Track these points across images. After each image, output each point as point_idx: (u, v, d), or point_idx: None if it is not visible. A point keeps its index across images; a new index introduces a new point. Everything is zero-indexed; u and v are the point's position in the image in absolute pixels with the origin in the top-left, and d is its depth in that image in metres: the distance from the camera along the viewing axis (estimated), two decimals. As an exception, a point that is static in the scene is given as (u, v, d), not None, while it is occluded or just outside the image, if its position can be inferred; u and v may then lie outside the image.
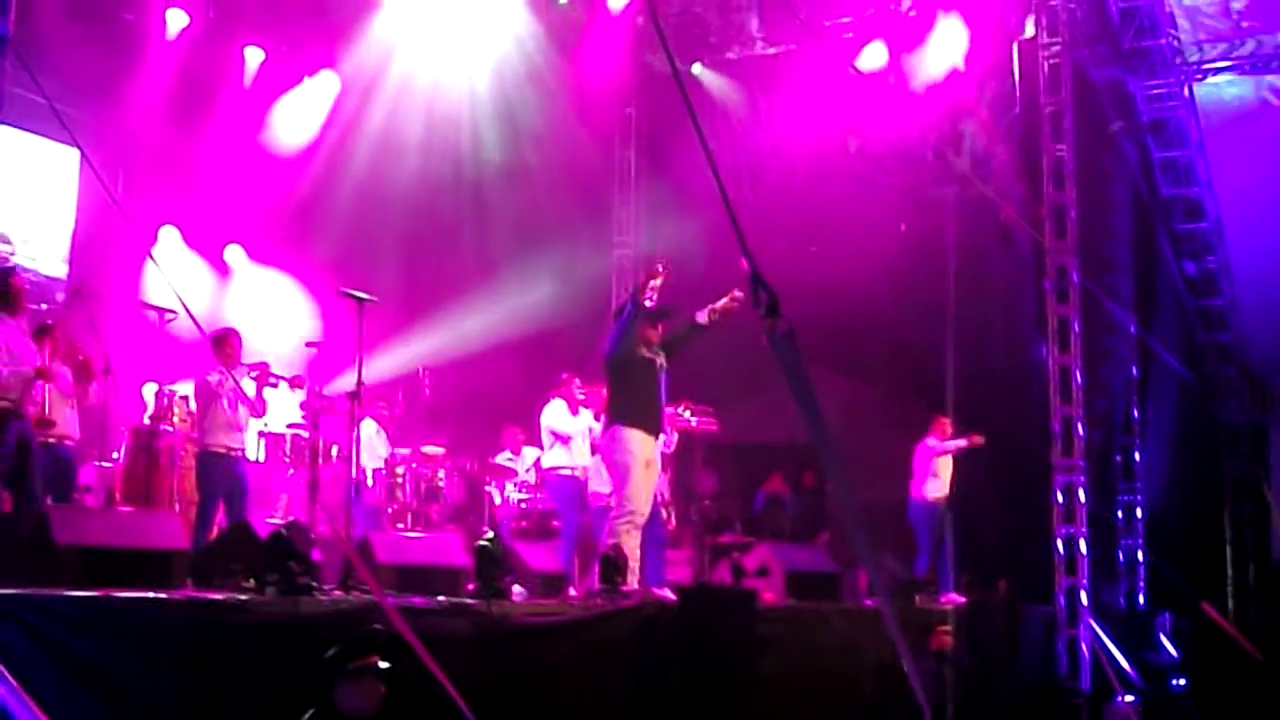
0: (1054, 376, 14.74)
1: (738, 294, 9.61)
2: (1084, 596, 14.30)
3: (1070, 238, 14.86)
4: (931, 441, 14.73)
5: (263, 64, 16.48)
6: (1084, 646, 14.18)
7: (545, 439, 13.03)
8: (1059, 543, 14.44)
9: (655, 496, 10.51)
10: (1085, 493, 14.57)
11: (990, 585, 14.03)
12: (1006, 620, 13.35)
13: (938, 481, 14.42)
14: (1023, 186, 16.16)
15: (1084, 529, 14.47)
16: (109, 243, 15.36)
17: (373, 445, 13.27)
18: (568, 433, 12.80)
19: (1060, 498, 14.53)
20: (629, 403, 10.16)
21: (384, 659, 6.59)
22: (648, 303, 9.87)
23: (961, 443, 14.60)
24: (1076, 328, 14.77)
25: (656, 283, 9.86)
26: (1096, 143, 16.28)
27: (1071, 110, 14.96)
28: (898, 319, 16.59)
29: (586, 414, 12.86)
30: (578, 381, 12.95)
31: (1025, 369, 15.89)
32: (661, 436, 10.64)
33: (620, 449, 10.04)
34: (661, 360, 10.28)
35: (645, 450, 10.07)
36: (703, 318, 10.25)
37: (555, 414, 12.94)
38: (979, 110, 16.82)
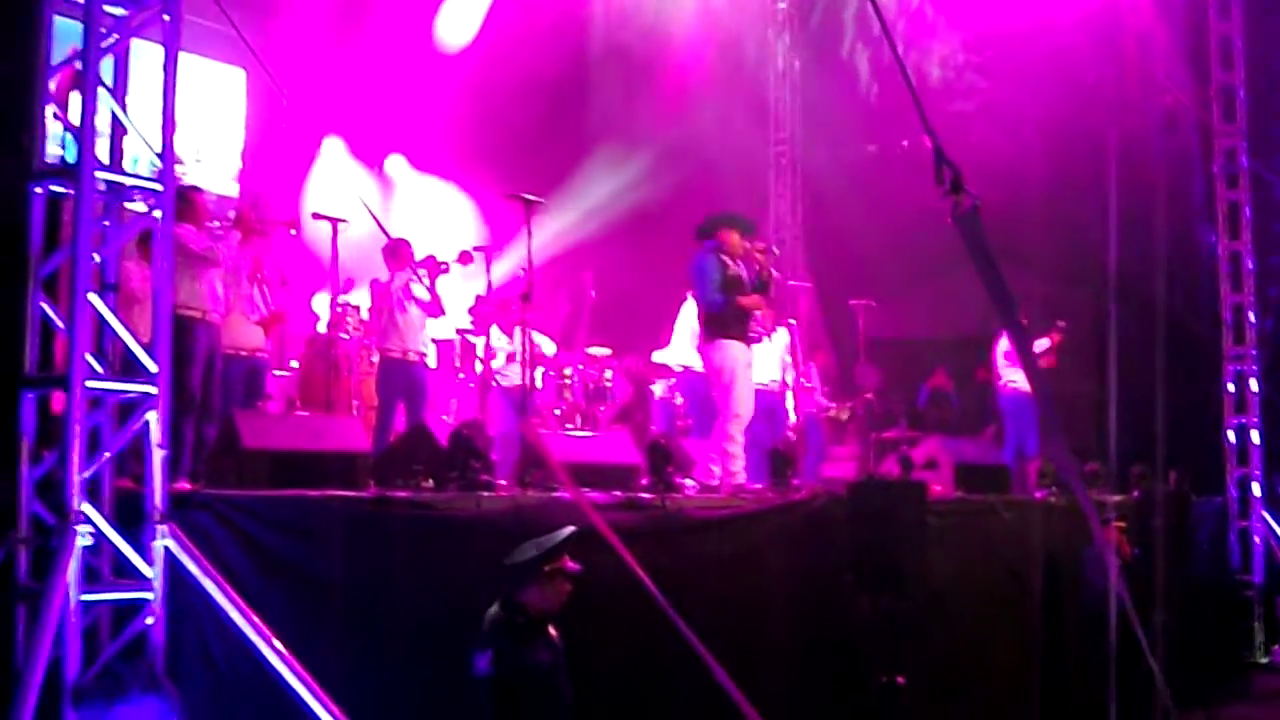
0: (1224, 263, 14.46)
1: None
2: (1256, 488, 14.10)
3: (1239, 120, 14.50)
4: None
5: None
6: (1256, 538, 14.01)
7: (684, 337, 12.76)
8: (1230, 433, 14.25)
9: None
10: (1257, 381, 14.31)
11: (1161, 477, 13.86)
12: (1177, 512, 13.18)
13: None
14: (1187, 68, 15.72)
15: (1256, 418, 14.24)
16: (276, 158, 15.73)
17: (540, 348, 13.41)
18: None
19: (1231, 387, 14.31)
20: (722, 321, 10.36)
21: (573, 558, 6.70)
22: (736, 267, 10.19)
23: (1045, 343, 13.86)
24: (1247, 213, 14.45)
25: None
26: (1264, 19, 15.75)
27: (1239, -13, 14.53)
28: (1058, 207, 16.25)
29: None
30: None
31: (1193, 255, 15.56)
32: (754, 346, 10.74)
33: (718, 356, 10.28)
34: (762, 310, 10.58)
35: (743, 355, 10.29)
36: None
37: (694, 312, 12.85)
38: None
